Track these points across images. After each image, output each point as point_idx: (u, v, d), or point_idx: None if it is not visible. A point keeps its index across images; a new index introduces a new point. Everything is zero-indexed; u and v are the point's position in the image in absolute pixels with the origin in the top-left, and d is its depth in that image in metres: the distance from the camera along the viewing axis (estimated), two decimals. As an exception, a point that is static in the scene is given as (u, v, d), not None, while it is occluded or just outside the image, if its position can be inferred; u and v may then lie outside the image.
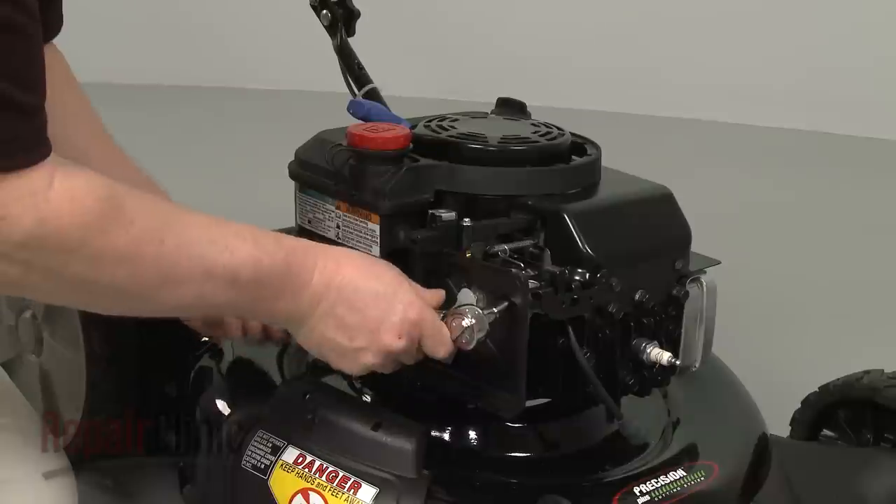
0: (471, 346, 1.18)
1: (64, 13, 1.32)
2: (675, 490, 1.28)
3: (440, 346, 1.18)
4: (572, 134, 1.42)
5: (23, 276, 0.92)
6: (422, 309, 1.17)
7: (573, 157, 1.38)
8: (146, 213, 0.98)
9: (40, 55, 0.91)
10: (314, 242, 1.15)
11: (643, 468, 1.32)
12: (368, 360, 1.17)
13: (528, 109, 1.51)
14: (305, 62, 3.02)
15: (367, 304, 1.14)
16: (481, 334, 1.17)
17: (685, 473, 1.30)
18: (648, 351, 1.29)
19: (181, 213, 1.02)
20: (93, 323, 1.49)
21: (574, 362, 1.23)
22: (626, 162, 1.44)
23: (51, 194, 0.90)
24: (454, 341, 1.18)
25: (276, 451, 1.25)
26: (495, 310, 1.18)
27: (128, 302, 1.03)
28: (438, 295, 1.22)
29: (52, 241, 0.91)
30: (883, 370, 1.54)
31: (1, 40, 0.86)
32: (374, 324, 1.14)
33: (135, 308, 1.06)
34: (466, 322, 1.17)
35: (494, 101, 1.54)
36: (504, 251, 1.26)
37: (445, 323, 1.19)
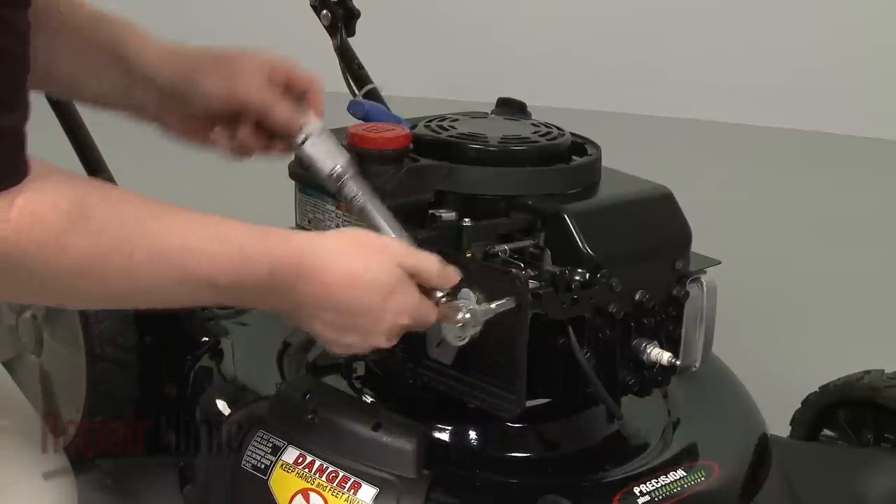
0: (462, 343, 1.17)
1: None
2: (675, 490, 1.28)
3: (422, 329, 1.17)
4: (572, 134, 1.42)
5: None
6: (413, 312, 1.14)
7: (573, 157, 1.38)
8: (117, 221, 0.96)
9: (25, 77, 0.91)
10: (304, 246, 1.08)
11: (643, 468, 1.32)
12: (356, 351, 1.16)
13: (528, 109, 1.51)
14: (306, 62, 3.02)
15: (355, 314, 1.10)
16: (474, 330, 1.16)
17: (685, 473, 1.30)
18: (648, 351, 1.29)
19: (160, 215, 1.00)
20: (93, 323, 1.50)
21: (574, 362, 1.23)
22: (626, 162, 1.44)
23: (12, 214, 0.89)
24: (445, 337, 1.17)
25: (276, 451, 1.25)
26: (493, 305, 1.17)
27: (100, 304, 1.04)
28: (452, 280, 1.17)
29: (14, 258, 0.90)
30: (883, 370, 1.54)
31: None
32: (364, 331, 1.12)
33: (108, 306, 1.06)
34: (460, 316, 1.15)
35: (494, 101, 1.54)
36: (504, 251, 1.26)
37: (440, 310, 1.16)
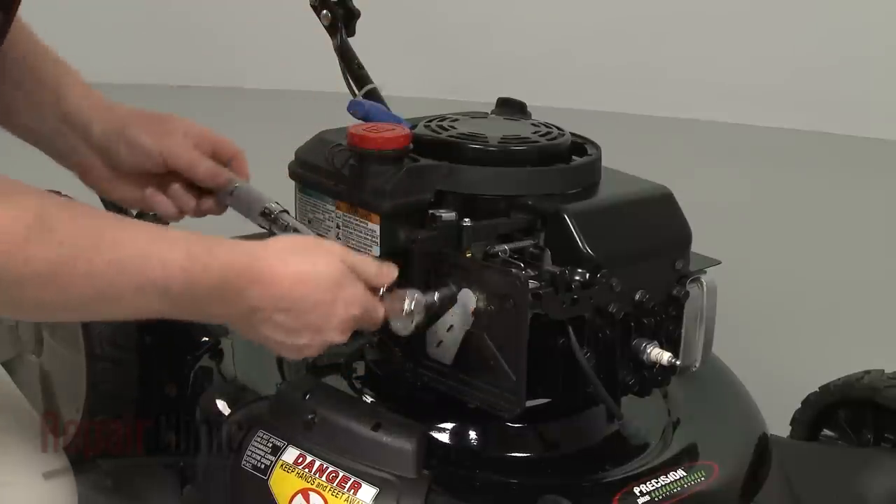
0: (406, 333, 1.19)
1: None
2: (675, 490, 1.28)
3: (372, 327, 1.19)
4: (572, 134, 1.42)
5: None
6: (362, 303, 1.16)
7: (573, 157, 1.38)
8: (76, 231, 0.98)
9: None
10: (250, 250, 1.10)
11: (643, 468, 1.32)
12: (310, 352, 1.17)
13: (528, 109, 1.51)
14: (305, 62, 3.02)
15: (308, 310, 1.12)
16: (419, 318, 1.18)
17: (685, 473, 1.30)
18: (648, 351, 1.28)
19: (113, 228, 1.02)
20: (93, 324, 1.50)
21: (574, 362, 1.23)
22: (626, 162, 1.44)
23: None
24: (391, 326, 1.19)
25: (276, 451, 1.25)
26: (436, 297, 1.19)
27: (61, 316, 1.05)
28: (391, 275, 1.19)
29: None
30: (883, 370, 1.54)
31: None
32: (316, 327, 1.14)
33: (70, 319, 1.08)
34: (406, 304, 1.18)
35: (494, 101, 1.54)
36: (504, 251, 1.26)
37: (384, 303, 1.18)
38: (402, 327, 1.19)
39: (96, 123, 1.33)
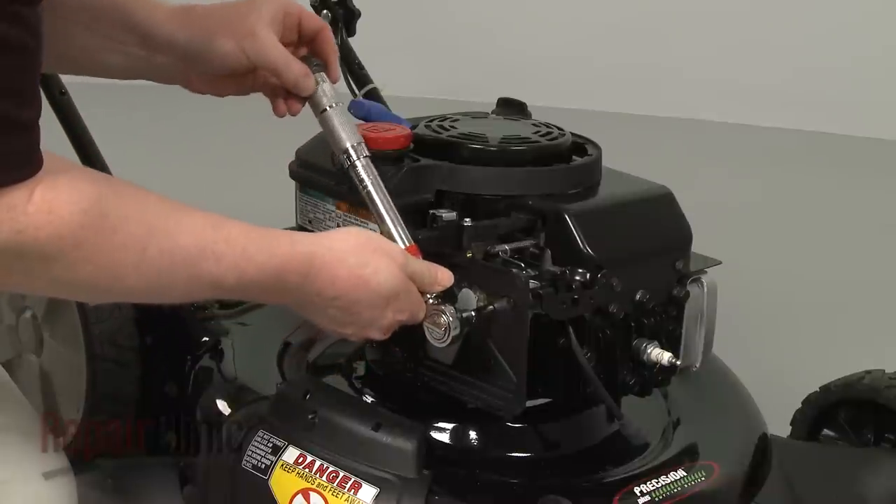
0: (444, 345, 1.20)
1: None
2: (675, 490, 1.28)
3: (412, 323, 1.21)
4: (572, 134, 1.42)
5: (4, 277, 0.95)
6: (412, 309, 1.18)
7: (573, 157, 1.38)
8: (132, 219, 0.98)
9: (38, 70, 0.92)
10: (310, 249, 1.11)
11: (644, 468, 1.32)
12: (351, 339, 1.23)
13: (529, 109, 1.51)
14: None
15: (360, 312, 1.15)
16: (455, 332, 1.19)
17: (685, 473, 1.30)
18: (649, 351, 1.29)
19: (171, 216, 1.02)
20: (93, 323, 1.50)
21: (574, 362, 1.23)
22: (626, 162, 1.44)
23: (29, 207, 0.91)
24: (430, 336, 1.21)
25: (277, 451, 1.25)
26: (472, 311, 1.19)
27: (112, 297, 1.06)
28: (445, 281, 1.20)
29: (29, 251, 0.92)
30: (884, 370, 1.54)
31: (1, 58, 0.88)
32: (364, 324, 1.17)
33: (121, 299, 1.09)
34: (443, 320, 1.19)
35: (494, 101, 1.54)
36: (505, 251, 1.26)
37: (427, 310, 1.20)
38: (436, 339, 1.20)
39: (179, 34, 1.30)
